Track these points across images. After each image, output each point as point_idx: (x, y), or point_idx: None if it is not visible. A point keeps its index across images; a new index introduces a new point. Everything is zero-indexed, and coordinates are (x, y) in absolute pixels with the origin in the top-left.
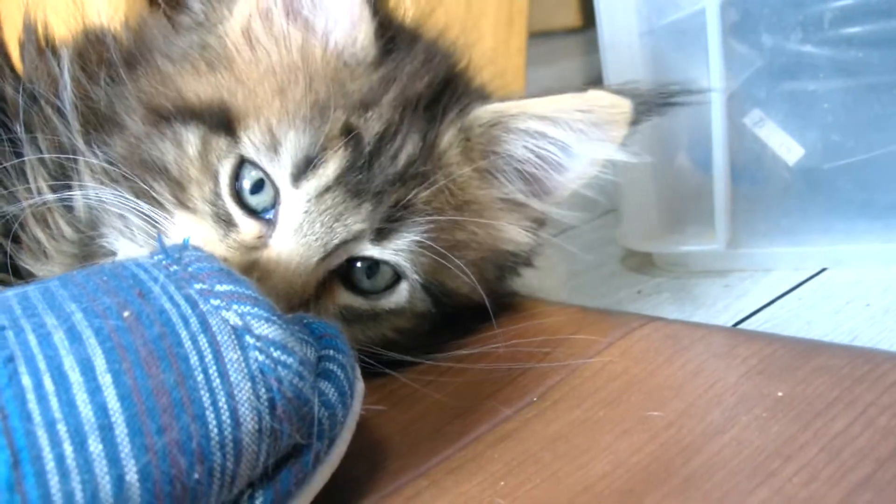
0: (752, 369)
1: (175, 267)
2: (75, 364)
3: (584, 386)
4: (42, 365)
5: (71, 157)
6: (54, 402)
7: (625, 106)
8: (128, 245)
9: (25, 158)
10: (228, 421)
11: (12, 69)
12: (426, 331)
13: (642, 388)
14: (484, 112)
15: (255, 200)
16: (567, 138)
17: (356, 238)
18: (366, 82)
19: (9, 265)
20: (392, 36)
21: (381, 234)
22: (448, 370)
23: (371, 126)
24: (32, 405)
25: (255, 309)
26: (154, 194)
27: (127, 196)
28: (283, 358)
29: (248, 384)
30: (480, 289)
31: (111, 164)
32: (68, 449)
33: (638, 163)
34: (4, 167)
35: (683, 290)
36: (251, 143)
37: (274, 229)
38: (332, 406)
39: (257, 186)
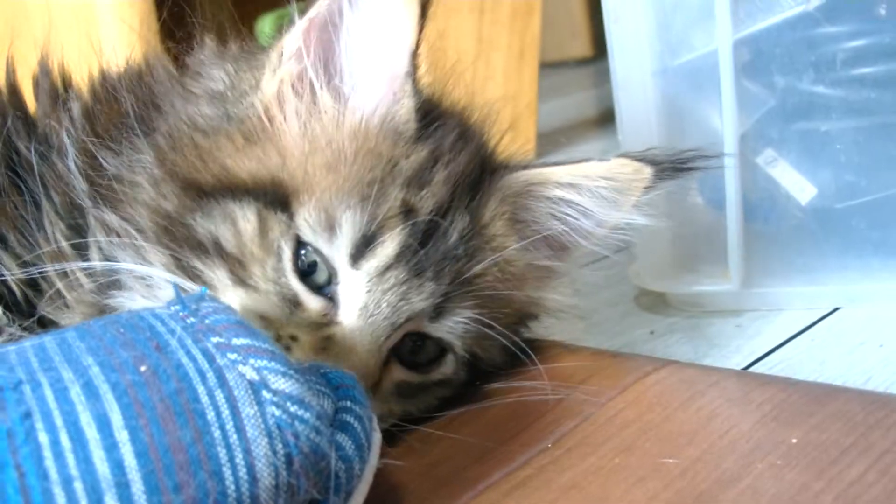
0: (767, 415)
1: (192, 319)
2: (92, 420)
3: (598, 433)
4: (59, 421)
5: (82, 215)
6: (71, 460)
7: (646, 172)
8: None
9: (43, 211)
10: (245, 477)
11: (26, 121)
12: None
13: (657, 434)
14: (513, 182)
15: (318, 278)
16: (590, 204)
17: (418, 317)
18: (416, 159)
19: (14, 308)
20: (426, 111)
21: (438, 312)
22: (460, 416)
23: (426, 204)
24: (49, 462)
25: (272, 363)
26: (198, 273)
27: (154, 266)
28: (300, 413)
29: (265, 440)
30: (506, 359)
31: (134, 229)
32: None
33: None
34: (25, 219)
35: (697, 329)
36: (307, 223)
37: (337, 308)
38: (349, 459)
39: (311, 267)
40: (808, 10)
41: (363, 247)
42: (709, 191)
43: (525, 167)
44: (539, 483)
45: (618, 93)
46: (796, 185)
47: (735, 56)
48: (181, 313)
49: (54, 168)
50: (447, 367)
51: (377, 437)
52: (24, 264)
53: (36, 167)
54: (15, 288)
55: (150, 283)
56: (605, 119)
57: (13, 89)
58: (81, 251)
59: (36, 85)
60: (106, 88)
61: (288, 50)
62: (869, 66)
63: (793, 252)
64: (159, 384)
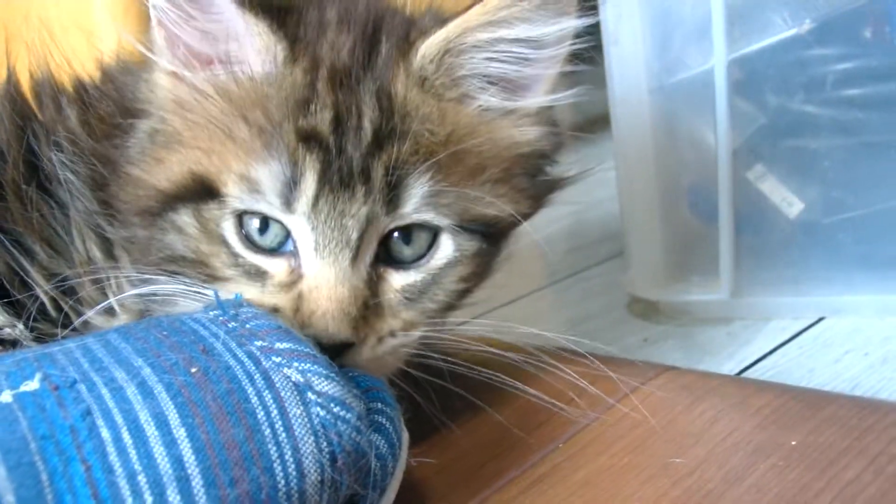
0: (766, 419)
1: (233, 324)
2: (150, 418)
3: (607, 433)
4: (119, 418)
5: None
6: (134, 455)
7: None
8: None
9: (72, 221)
10: (294, 473)
11: (43, 128)
12: (490, 261)
13: (663, 436)
14: (429, 47)
15: (268, 240)
16: (521, 32)
17: (371, 221)
18: (291, 82)
19: (43, 318)
20: (290, 16)
21: (392, 205)
22: (474, 417)
23: (321, 117)
24: (113, 457)
25: (315, 366)
26: (187, 278)
27: (170, 283)
28: (342, 413)
29: (312, 438)
30: (520, 205)
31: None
32: (149, 499)
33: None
34: (54, 229)
35: (689, 337)
36: (234, 196)
37: (299, 258)
38: (383, 457)
39: (263, 226)
40: (799, 32)
41: (288, 191)
42: (698, 203)
43: (434, 26)
44: (554, 480)
45: (615, 110)
46: (784, 199)
47: (728, 75)
48: (221, 318)
49: (79, 176)
50: (446, 248)
51: (406, 437)
52: (53, 276)
53: (60, 176)
54: (45, 299)
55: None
56: (581, 129)
57: (20, 96)
58: (115, 259)
59: (39, 89)
60: (89, 101)
61: (157, 48)
62: (857, 87)
63: (781, 264)
64: (210, 385)
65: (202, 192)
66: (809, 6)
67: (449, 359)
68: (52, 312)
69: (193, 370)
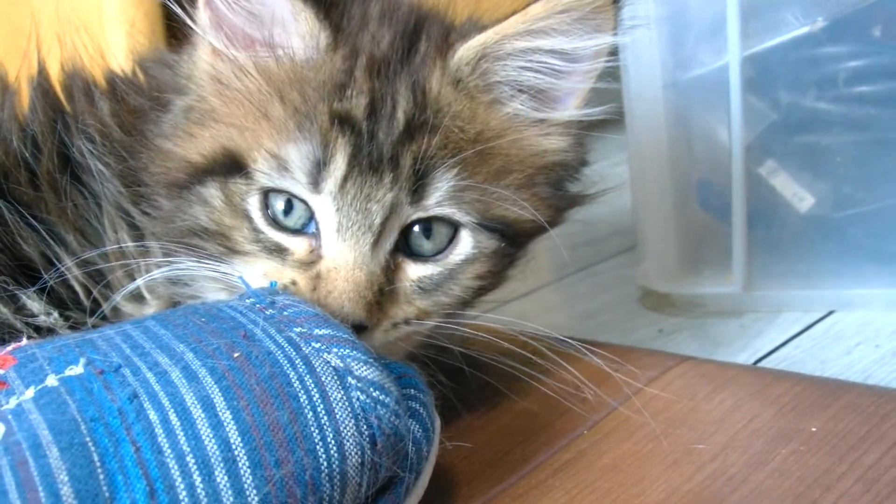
0: (785, 406)
1: (271, 311)
2: (196, 401)
3: (630, 420)
4: (165, 402)
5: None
6: (181, 437)
7: None
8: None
9: (104, 211)
10: (336, 455)
11: (75, 121)
12: (509, 263)
13: (685, 423)
14: (467, 50)
15: (291, 221)
16: (558, 44)
17: (395, 209)
18: (330, 67)
19: (75, 306)
20: (336, 7)
21: (416, 195)
22: (498, 406)
23: (356, 102)
24: (162, 439)
25: (354, 352)
26: (207, 254)
27: (191, 261)
28: (381, 398)
29: (352, 421)
30: (540, 212)
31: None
32: (198, 479)
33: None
34: (87, 219)
35: (702, 329)
36: (263, 173)
37: (320, 239)
38: (418, 442)
39: (288, 207)
40: (812, 30)
41: (316, 171)
42: (710, 199)
43: (474, 31)
44: (581, 465)
45: (630, 106)
46: (795, 195)
47: (742, 72)
48: (258, 305)
49: (109, 168)
50: (465, 245)
51: (438, 422)
52: (86, 265)
53: (92, 167)
54: (79, 287)
55: (204, 281)
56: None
57: (51, 88)
58: (145, 247)
59: (69, 82)
60: (120, 94)
61: (201, 26)
62: (867, 84)
63: (792, 258)
64: (253, 369)
65: (231, 167)
66: (821, 4)
67: (472, 349)
68: (85, 301)
69: (236, 355)
